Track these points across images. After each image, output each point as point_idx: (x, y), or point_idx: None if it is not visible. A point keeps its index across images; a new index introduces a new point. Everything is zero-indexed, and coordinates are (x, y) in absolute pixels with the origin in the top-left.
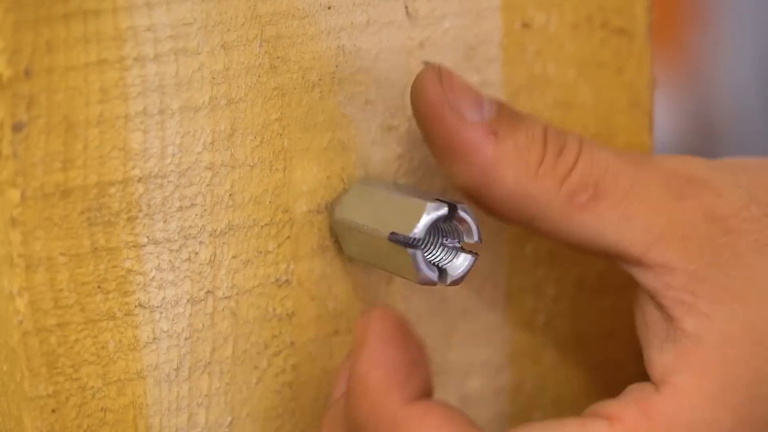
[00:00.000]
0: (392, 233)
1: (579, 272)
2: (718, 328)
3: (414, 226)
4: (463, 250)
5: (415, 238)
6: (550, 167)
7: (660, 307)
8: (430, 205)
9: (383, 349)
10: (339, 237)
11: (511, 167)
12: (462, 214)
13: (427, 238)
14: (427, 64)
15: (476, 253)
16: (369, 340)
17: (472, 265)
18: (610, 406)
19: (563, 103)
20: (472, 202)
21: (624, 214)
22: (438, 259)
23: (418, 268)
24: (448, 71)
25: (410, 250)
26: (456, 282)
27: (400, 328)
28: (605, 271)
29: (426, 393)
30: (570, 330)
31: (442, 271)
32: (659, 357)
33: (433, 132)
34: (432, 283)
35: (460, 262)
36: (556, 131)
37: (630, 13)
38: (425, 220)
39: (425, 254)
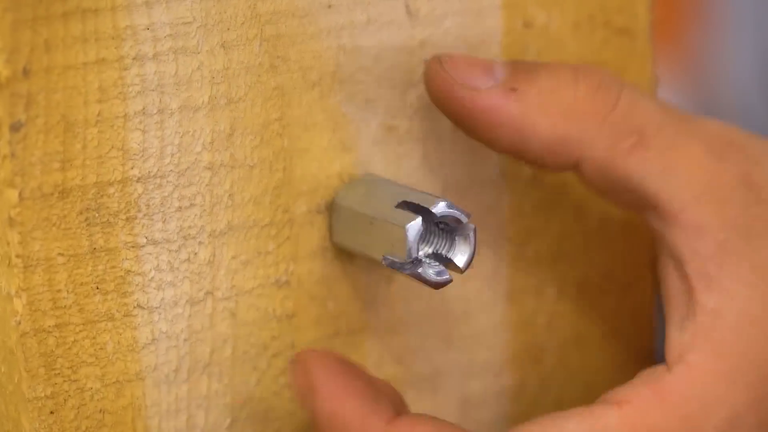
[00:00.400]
0: (404, 201)
1: (580, 273)
2: (739, 306)
3: (432, 202)
4: (445, 264)
5: (428, 209)
6: (588, 104)
7: (683, 277)
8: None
9: (342, 381)
10: (332, 220)
11: (541, 115)
12: (471, 235)
13: (424, 235)
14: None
15: (451, 279)
16: (321, 379)
17: (443, 283)
18: (619, 391)
19: None
20: (522, 162)
21: (667, 167)
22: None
23: (410, 240)
24: (447, 54)
25: (412, 223)
26: (421, 281)
27: (340, 359)
28: (606, 271)
29: (400, 409)
30: (571, 331)
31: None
32: (678, 336)
33: (453, 114)
34: (411, 262)
35: (437, 273)
36: (590, 70)
37: (631, 13)
38: (443, 203)
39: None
